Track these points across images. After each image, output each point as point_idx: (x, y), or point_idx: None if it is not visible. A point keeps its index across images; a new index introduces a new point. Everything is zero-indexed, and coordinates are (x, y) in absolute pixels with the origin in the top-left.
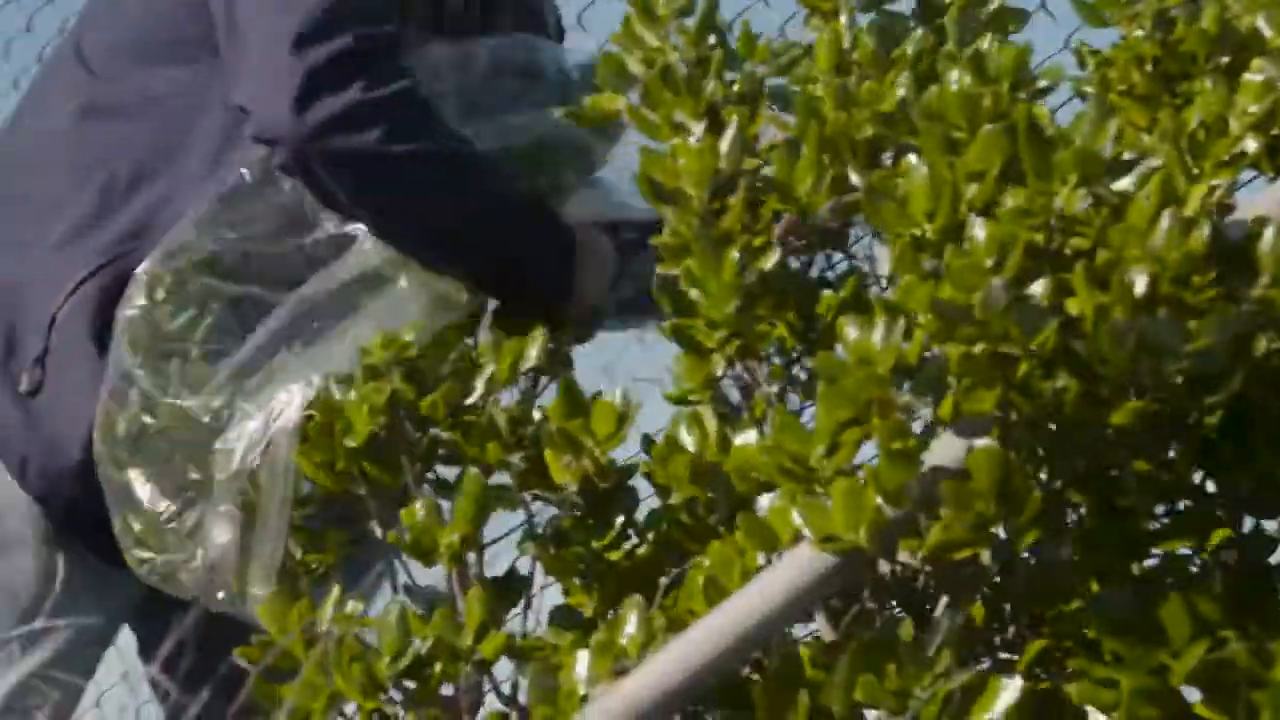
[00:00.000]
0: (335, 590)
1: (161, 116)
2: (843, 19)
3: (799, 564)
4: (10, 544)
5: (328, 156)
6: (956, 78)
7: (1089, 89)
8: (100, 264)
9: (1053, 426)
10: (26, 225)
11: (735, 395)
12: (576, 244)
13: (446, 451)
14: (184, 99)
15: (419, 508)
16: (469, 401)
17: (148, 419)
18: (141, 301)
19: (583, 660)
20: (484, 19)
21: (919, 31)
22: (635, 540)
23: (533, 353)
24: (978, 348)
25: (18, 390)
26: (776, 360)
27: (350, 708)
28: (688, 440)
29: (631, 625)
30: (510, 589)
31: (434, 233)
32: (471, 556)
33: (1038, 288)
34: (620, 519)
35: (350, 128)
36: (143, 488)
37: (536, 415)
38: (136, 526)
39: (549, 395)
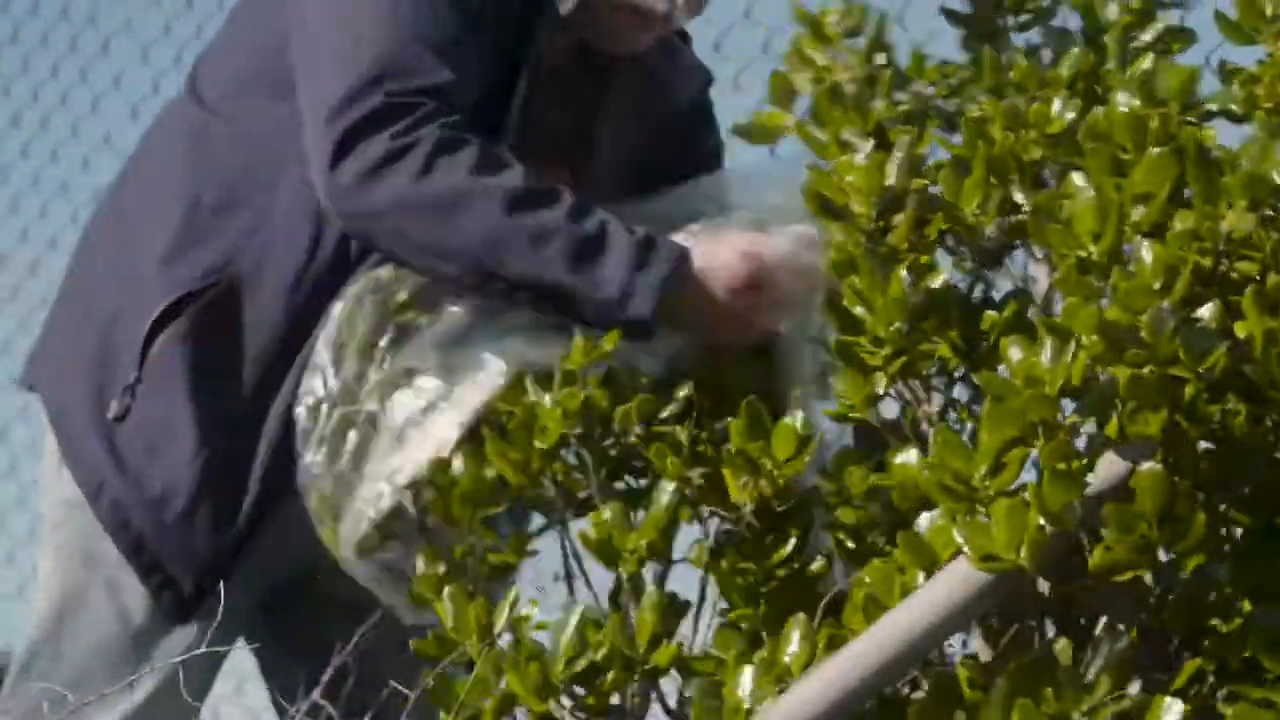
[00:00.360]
0: (514, 591)
1: (253, 148)
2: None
3: (957, 581)
4: (118, 569)
5: (358, 215)
6: (1124, 99)
7: (1233, 106)
8: (187, 292)
9: (1217, 449)
10: (127, 252)
11: (893, 412)
12: (678, 268)
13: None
14: (277, 132)
15: (607, 512)
16: (663, 415)
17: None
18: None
19: (747, 676)
20: (597, 89)
21: (1076, 51)
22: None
23: None
24: (1145, 370)
25: (105, 416)
26: (938, 380)
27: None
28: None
29: (794, 643)
30: (680, 602)
31: (477, 265)
32: (652, 566)
33: (1206, 311)
34: (794, 539)
35: (376, 178)
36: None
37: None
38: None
39: None
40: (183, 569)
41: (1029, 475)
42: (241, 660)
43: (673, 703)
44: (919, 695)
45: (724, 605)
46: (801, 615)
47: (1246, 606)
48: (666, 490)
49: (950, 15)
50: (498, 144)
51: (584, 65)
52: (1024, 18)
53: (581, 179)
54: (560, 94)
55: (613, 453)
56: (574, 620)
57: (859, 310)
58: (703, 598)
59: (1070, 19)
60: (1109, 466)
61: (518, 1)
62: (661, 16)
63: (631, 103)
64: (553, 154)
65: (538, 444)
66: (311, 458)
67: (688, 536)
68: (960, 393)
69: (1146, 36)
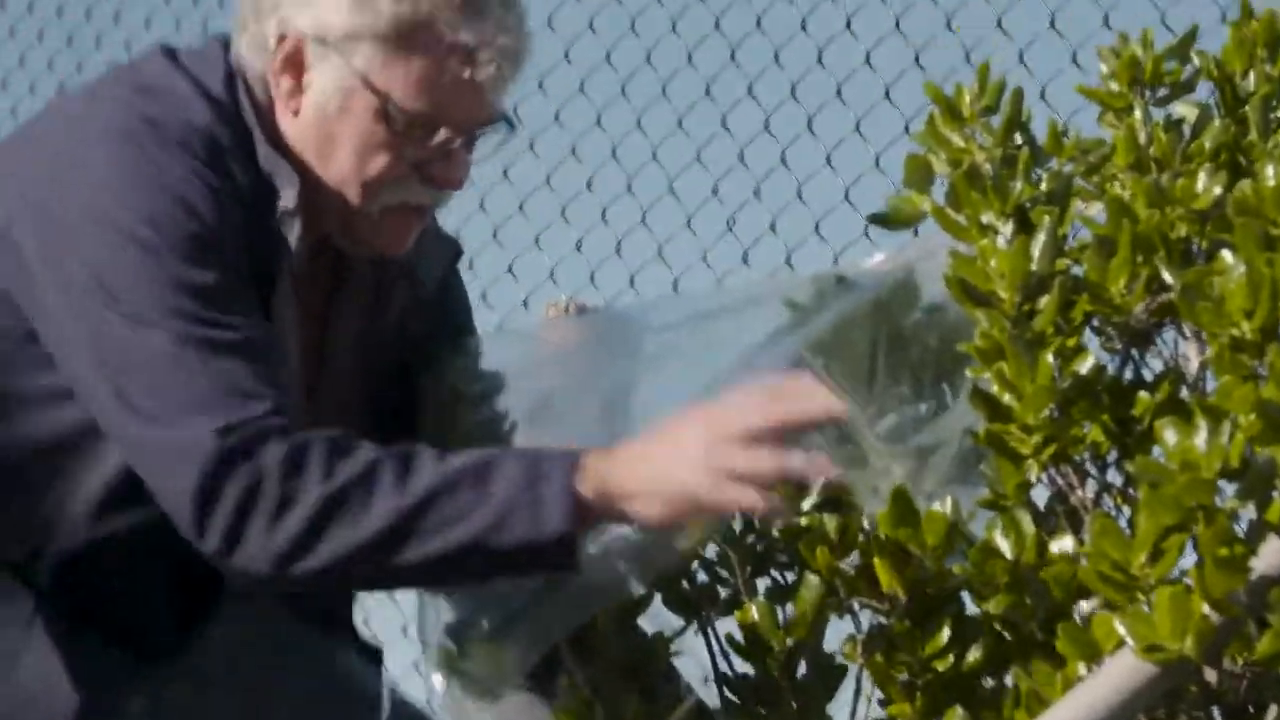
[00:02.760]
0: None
1: None
2: (1137, 114)
3: (1123, 674)
4: None
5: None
6: (1272, 172)
7: None
8: None
9: None
10: None
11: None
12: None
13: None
14: None
15: (753, 609)
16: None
17: None
18: None
19: None
20: (331, 289)
21: (1216, 123)
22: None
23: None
24: None
25: None
26: (1091, 465)
27: None
28: (1004, 546)
29: None
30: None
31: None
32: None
33: None
34: (948, 628)
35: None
36: None
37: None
38: None
39: None
40: None
41: (1188, 559)
42: None
43: None
44: None
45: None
46: (959, 709)
47: None
48: (813, 584)
49: (1087, 92)
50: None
51: (317, 264)
52: (1162, 92)
53: (316, 388)
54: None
55: (758, 548)
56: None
57: (1007, 398)
58: (858, 691)
59: (1207, 91)
60: (1273, 550)
61: (253, 235)
62: (430, 208)
63: (372, 296)
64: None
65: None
66: None
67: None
68: (1114, 477)
69: None
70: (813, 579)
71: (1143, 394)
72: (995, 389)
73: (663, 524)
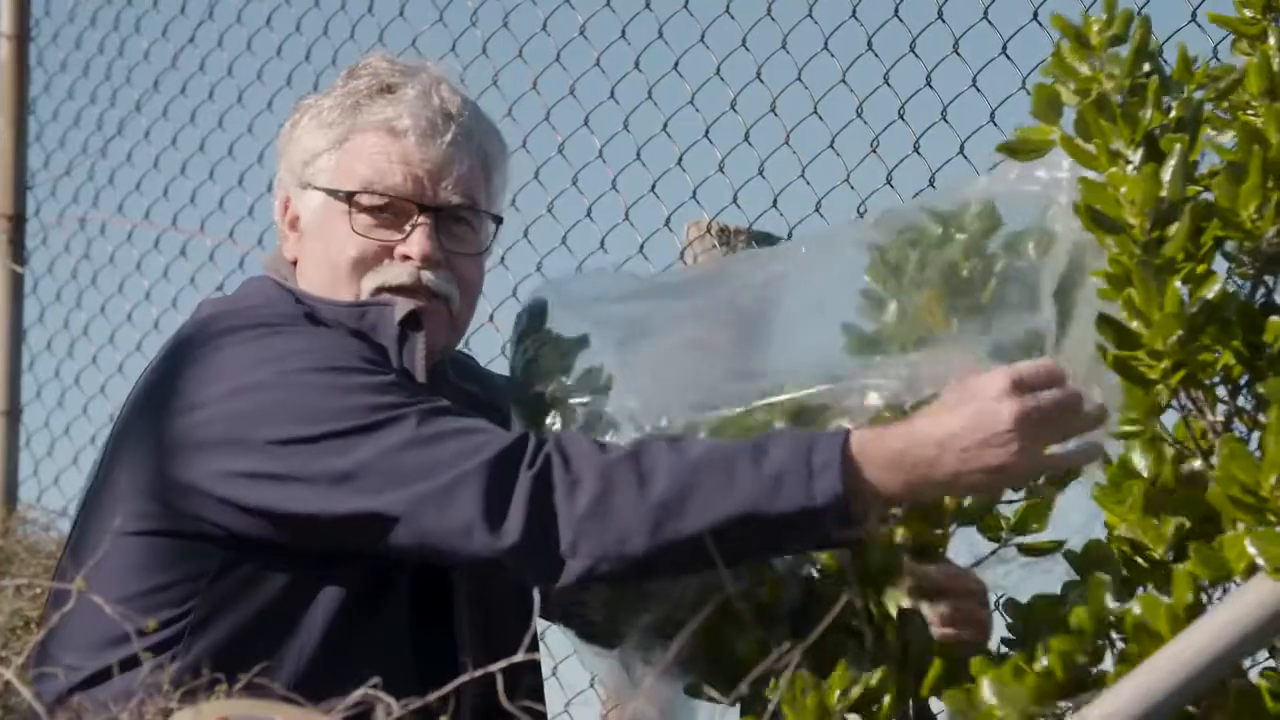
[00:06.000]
0: None
1: None
2: (1271, 40)
3: (1258, 595)
4: None
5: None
6: None
7: None
8: None
9: None
10: None
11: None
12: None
13: None
14: None
15: None
16: None
17: None
18: None
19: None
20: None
21: None
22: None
23: None
24: None
25: None
26: (1222, 389)
27: None
28: (1141, 466)
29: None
30: None
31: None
32: None
33: None
34: None
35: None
36: None
37: None
38: None
39: None
40: None
41: None
42: None
43: None
44: (1219, 711)
45: None
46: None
47: None
48: None
49: (1220, 20)
50: None
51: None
52: None
53: None
54: None
55: None
56: None
57: (1136, 324)
58: None
59: None
60: None
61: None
62: (429, 291)
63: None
64: None
65: None
66: None
67: None
68: (1244, 401)
69: None
70: None
71: (1273, 318)
72: (1124, 315)
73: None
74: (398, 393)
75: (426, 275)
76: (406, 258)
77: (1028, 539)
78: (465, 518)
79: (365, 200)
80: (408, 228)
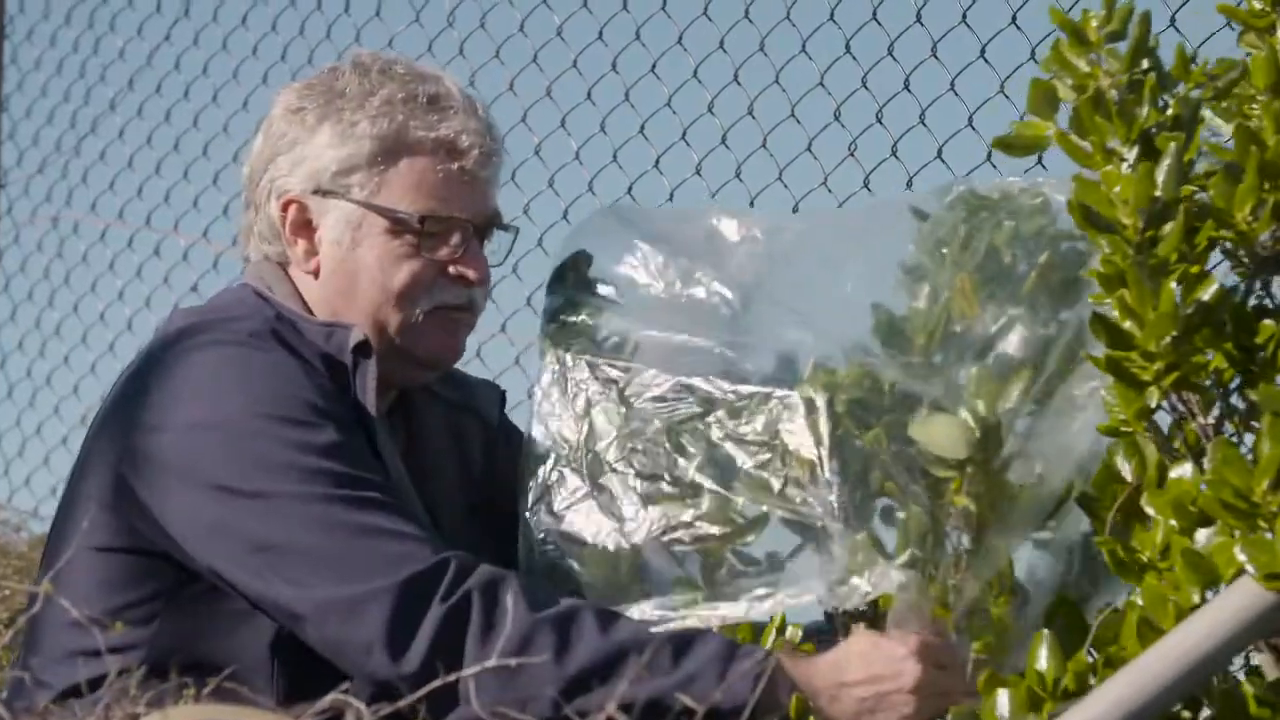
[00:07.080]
0: None
1: None
2: None
3: (1242, 600)
4: None
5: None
6: None
7: None
8: None
9: None
10: None
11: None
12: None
13: None
14: None
15: None
16: None
17: None
18: None
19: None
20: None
21: None
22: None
23: None
24: None
25: None
26: (1213, 391)
27: None
28: (1125, 470)
29: (1041, 660)
30: None
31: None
32: None
33: None
34: None
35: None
36: None
37: None
38: None
39: None
40: None
41: None
42: None
43: None
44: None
45: None
46: (1047, 631)
47: None
48: None
49: (1228, 11)
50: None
51: (394, 418)
52: None
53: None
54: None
55: None
56: None
57: (1128, 325)
58: None
59: None
60: None
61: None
62: (469, 309)
63: (450, 438)
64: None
65: None
66: None
67: None
68: (1236, 404)
69: None
70: None
71: (1267, 321)
72: (1116, 315)
73: None
74: (341, 459)
75: (476, 292)
76: (462, 277)
77: None
78: (367, 636)
79: (433, 228)
80: (454, 241)
